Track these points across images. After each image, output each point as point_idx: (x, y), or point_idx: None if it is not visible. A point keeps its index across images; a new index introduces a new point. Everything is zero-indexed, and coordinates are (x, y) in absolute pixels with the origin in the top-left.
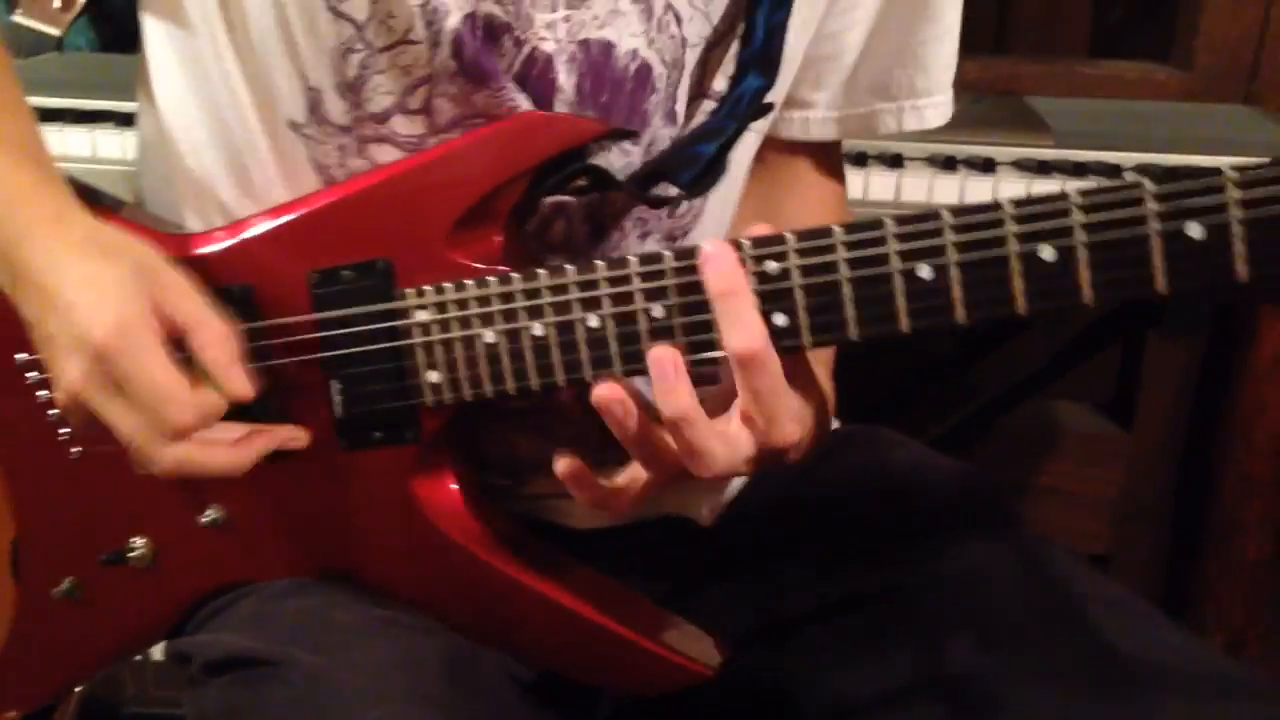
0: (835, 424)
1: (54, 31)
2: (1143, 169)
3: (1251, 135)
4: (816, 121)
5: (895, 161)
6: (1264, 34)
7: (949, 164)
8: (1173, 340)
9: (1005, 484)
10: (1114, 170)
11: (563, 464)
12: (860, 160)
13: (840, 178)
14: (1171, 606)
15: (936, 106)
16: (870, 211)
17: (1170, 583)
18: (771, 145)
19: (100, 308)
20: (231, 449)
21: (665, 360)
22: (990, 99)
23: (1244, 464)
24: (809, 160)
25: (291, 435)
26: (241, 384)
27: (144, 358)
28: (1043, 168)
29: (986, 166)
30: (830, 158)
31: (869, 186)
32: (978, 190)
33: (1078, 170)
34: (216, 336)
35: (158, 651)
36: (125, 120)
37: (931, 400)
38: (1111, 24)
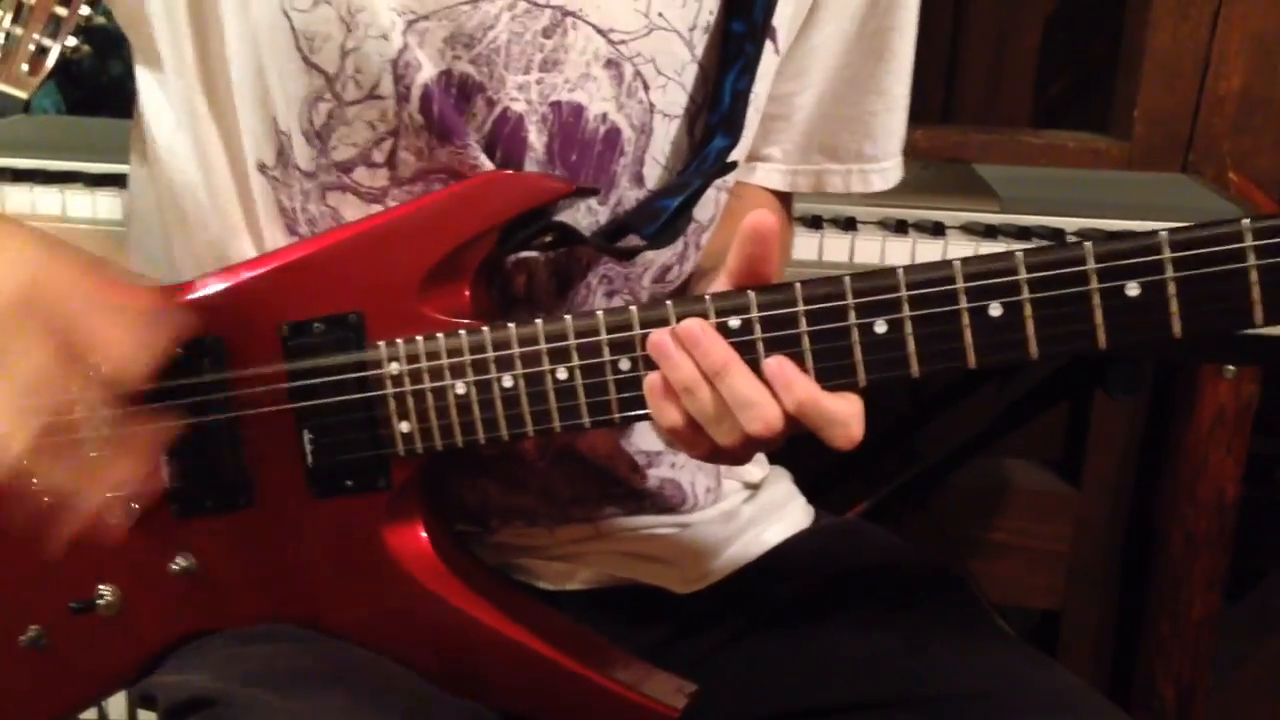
0: (812, 513)
1: (21, 95)
2: (1085, 234)
3: (1188, 202)
4: (766, 170)
5: (849, 225)
6: (1199, 106)
7: (900, 227)
8: (1118, 400)
9: (957, 540)
10: (1058, 235)
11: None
12: (815, 223)
13: (789, 226)
14: (1120, 662)
15: (882, 172)
16: (825, 273)
17: (1119, 638)
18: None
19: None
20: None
21: (694, 326)
22: (939, 165)
23: (1188, 521)
24: (769, 194)
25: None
26: (137, 369)
27: (25, 356)
28: (989, 232)
29: (936, 230)
30: (785, 204)
31: (824, 248)
32: (928, 252)
33: (1022, 234)
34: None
35: (116, 707)
36: (94, 180)
37: (881, 461)
38: (1053, 96)
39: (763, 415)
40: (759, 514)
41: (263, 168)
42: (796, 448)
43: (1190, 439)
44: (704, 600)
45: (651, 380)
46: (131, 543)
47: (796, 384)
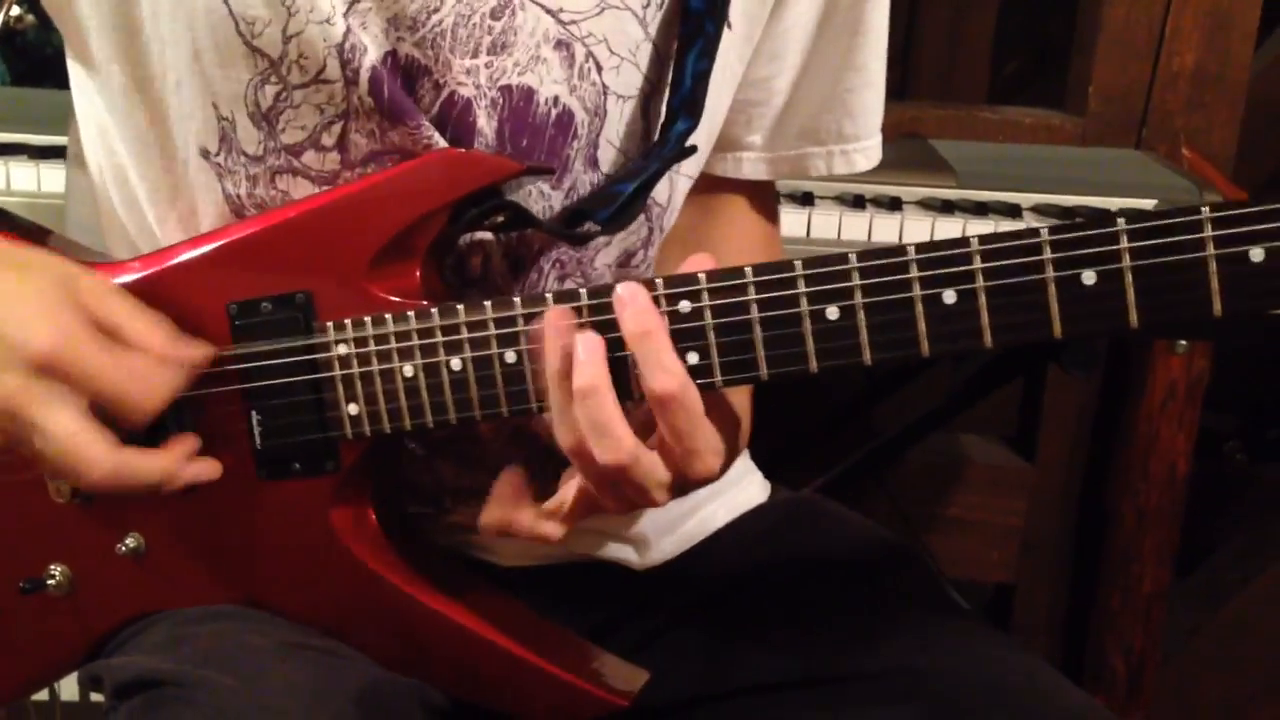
0: (768, 488)
1: None
2: (1041, 209)
3: (1142, 178)
4: (749, 161)
5: (806, 199)
6: (1152, 83)
7: (858, 202)
8: (1073, 376)
9: (913, 515)
10: (1014, 209)
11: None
12: None
13: (773, 219)
14: (1073, 635)
15: (864, 151)
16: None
17: (1071, 612)
18: (707, 182)
19: (33, 321)
20: (170, 458)
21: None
22: (896, 141)
23: (1140, 496)
24: (743, 198)
25: (212, 469)
26: (197, 352)
27: (91, 350)
28: (946, 207)
29: (893, 205)
30: (764, 199)
31: (781, 224)
32: (885, 228)
33: (979, 209)
34: (150, 324)
35: (67, 690)
36: (39, 153)
37: (838, 437)
38: (1009, 73)
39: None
40: (714, 489)
41: (205, 154)
42: (754, 424)
43: (1142, 414)
44: (661, 575)
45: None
46: (80, 523)
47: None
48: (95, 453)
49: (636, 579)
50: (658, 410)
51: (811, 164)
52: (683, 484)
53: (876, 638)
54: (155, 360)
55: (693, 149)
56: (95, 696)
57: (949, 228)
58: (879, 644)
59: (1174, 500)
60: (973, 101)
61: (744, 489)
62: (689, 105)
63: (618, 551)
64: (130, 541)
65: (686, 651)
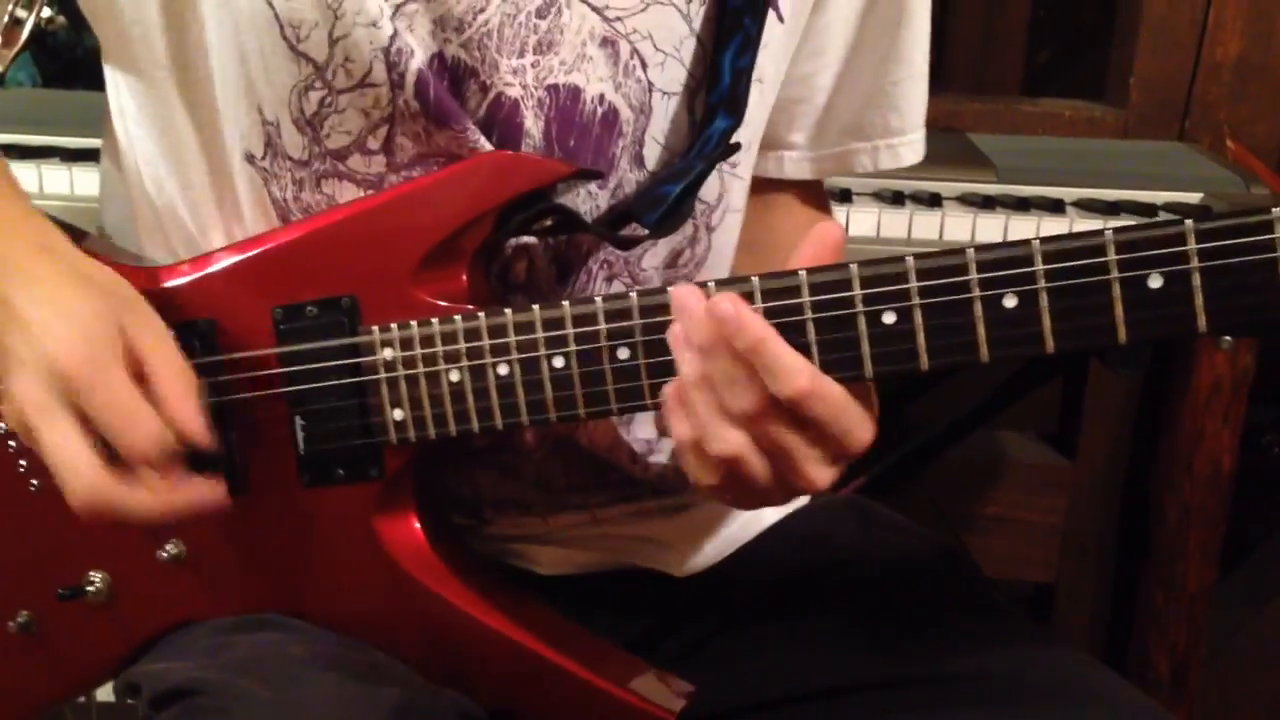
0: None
1: None
2: (1083, 203)
3: (1186, 171)
4: (792, 161)
5: (844, 196)
6: (1195, 73)
7: (897, 199)
8: (1121, 375)
9: (952, 514)
10: (1057, 205)
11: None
12: None
13: (827, 211)
14: (1115, 635)
15: (910, 145)
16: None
17: (1114, 611)
18: (754, 183)
19: (71, 334)
20: (152, 496)
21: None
22: (933, 135)
23: (1184, 494)
24: (793, 195)
25: (214, 498)
26: (195, 423)
27: (110, 380)
28: (987, 203)
29: (933, 201)
30: (815, 194)
31: None
32: (925, 225)
33: (1021, 205)
34: (175, 371)
35: (103, 691)
36: (71, 155)
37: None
38: (1042, 62)
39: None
40: None
41: (250, 159)
42: None
43: (1186, 410)
44: (702, 583)
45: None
46: (120, 530)
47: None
48: (77, 472)
49: (678, 586)
50: (796, 410)
51: (856, 160)
52: (842, 459)
53: (928, 643)
54: (159, 411)
55: (736, 146)
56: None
57: (990, 224)
58: (931, 649)
59: (1219, 497)
60: (1006, 92)
61: None
62: (729, 103)
63: (659, 559)
64: (171, 548)
65: (731, 661)
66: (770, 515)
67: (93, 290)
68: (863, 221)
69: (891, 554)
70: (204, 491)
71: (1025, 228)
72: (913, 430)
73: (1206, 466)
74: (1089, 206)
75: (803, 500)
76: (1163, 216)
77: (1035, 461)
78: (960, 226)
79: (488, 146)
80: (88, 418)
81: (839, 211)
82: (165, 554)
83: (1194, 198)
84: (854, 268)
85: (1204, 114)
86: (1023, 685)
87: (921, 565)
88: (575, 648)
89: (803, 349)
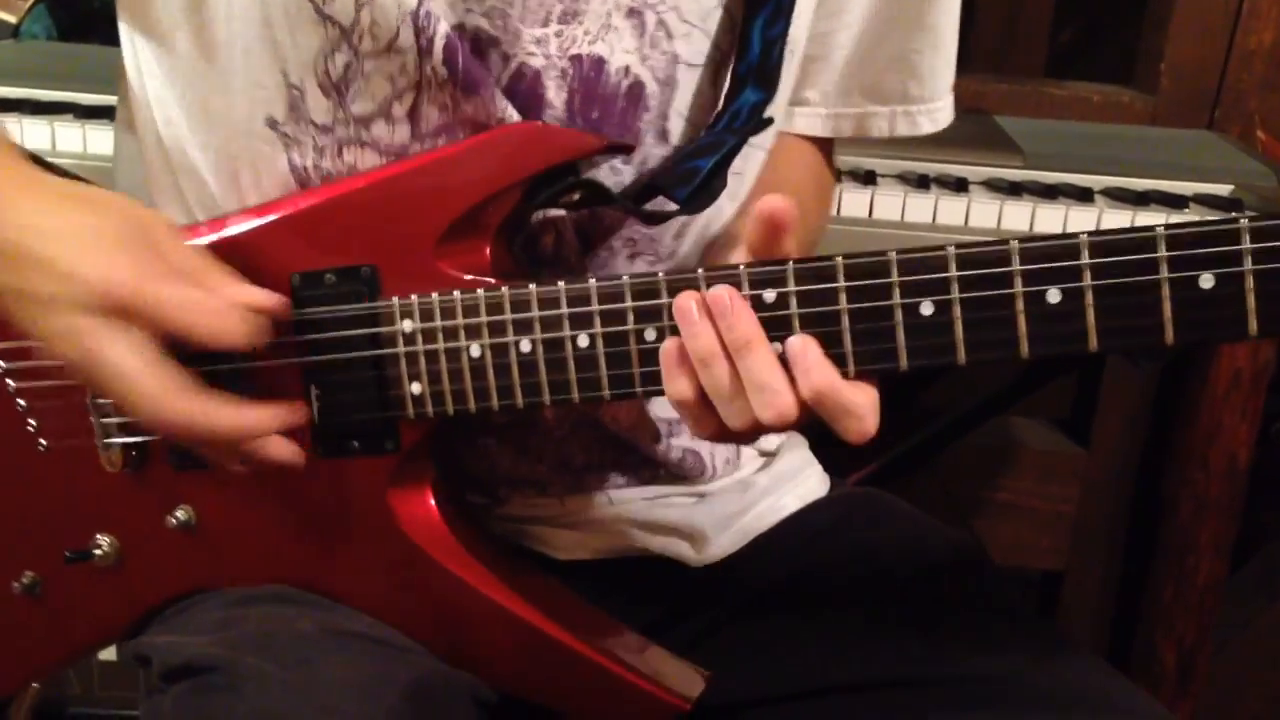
0: (828, 481)
1: (9, 18)
2: (1111, 192)
3: (1216, 162)
4: (802, 116)
5: (869, 179)
6: (1227, 61)
7: (922, 183)
8: (1142, 367)
9: (963, 499)
10: (1085, 193)
11: None
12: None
13: (834, 172)
14: (1123, 625)
15: (929, 114)
16: (842, 229)
17: (1122, 601)
18: None
19: (105, 255)
20: (236, 409)
21: (723, 295)
22: (959, 117)
23: (1198, 486)
24: (807, 143)
25: (292, 453)
26: (263, 294)
27: (168, 281)
28: (1014, 189)
29: (959, 186)
30: (826, 151)
31: (841, 203)
32: (951, 209)
33: (1048, 193)
34: (209, 261)
35: (106, 652)
36: (85, 112)
37: (886, 420)
38: (1065, 43)
39: (776, 402)
40: (773, 483)
41: (273, 123)
42: None
43: (1204, 402)
44: (717, 571)
45: (668, 346)
46: (130, 494)
47: (816, 370)
48: (159, 383)
49: (693, 575)
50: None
51: (873, 124)
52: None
53: (939, 643)
54: (227, 303)
55: (769, 121)
56: None
57: (1017, 211)
58: (942, 650)
59: (1234, 491)
60: (1029, 74)
61: (803, 482)
62: (760, 75)
63: (674, 547)
64: (180, 514)
65: (744, 651)
66: (787, 506)
67: (100, 209)
68: (888, 205)
69: (906, 550)
70: (282, 418)
71: (1053, 216)
72: (927, 417)
73: (1222, 460)
74: (1118, 196)
75: (820, 492)
76: (1211, 215)
77: (1048, 448)
78: (987, 213)
79: (515, 116)
80: (159, 330)
81: (863, 194)
82: (174, 521)
83: (1224, 189)
84: (893, 254)
85: (1235, 103)
86: (1034, 690)
87: (936, 563)
88: (591, 631)
89: (836, 338)
